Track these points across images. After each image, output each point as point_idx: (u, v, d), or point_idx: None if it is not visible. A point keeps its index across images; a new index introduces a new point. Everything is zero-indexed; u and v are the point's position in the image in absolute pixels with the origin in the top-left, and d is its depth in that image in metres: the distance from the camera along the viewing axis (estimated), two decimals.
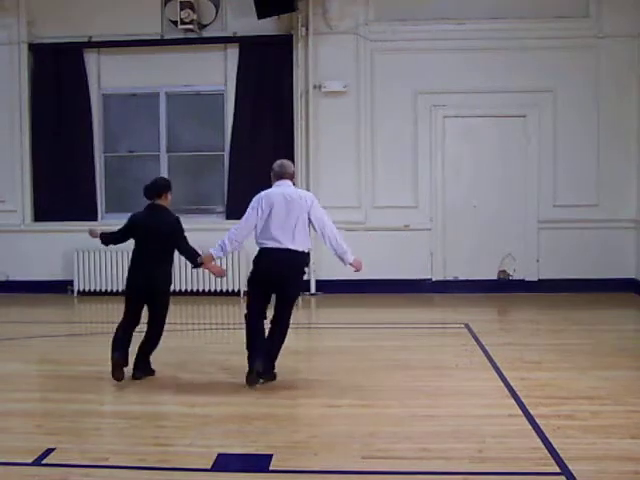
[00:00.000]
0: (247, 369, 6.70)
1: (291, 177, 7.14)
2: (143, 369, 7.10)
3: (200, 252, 7.09)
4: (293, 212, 6.81)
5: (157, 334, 7.19)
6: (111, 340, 7.00)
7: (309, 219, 6.86)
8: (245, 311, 6.97)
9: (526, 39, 11.86)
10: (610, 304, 11.20)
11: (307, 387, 6.84)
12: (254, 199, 6.97)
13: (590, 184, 12.03)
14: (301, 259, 6.86)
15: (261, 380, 6.72)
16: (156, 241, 7.01)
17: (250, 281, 7.00)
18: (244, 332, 6.92)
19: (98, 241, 7.52)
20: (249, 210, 6.92)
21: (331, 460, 4.92)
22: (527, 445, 5.11)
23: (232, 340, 8.98)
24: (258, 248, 6.89)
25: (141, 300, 7.08)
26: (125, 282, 7.25)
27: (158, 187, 7.18)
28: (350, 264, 7.00)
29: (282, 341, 6.92)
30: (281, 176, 7.09)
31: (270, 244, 6.78)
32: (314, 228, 6.93)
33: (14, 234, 12.58)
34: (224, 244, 6.91)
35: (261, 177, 12.12)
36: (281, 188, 6.98)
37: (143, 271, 7.03)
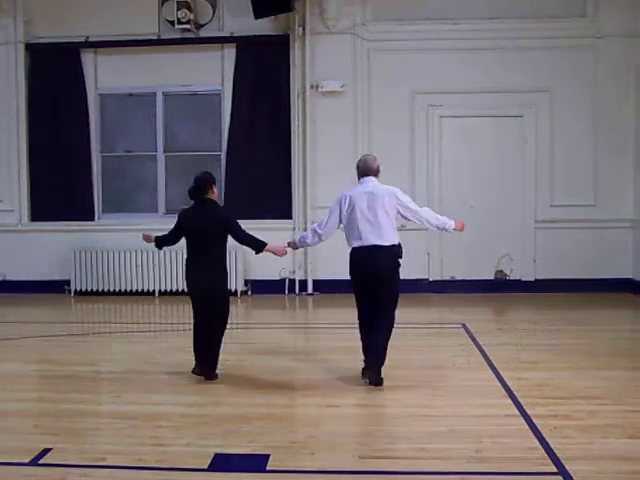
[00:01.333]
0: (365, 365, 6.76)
1: (375, 173, 6.98)
2: (207, 367, 7.00)
3: (259, 237, 7.07)
4: (377, 208, 6.74)
5: (220, 331, 7.08)
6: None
7: (399, 212, 6.81)
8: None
9: (523, 39, 11.88)
10: (607, 304, 11.21)
11: (304, 387, 6.84)
12: (338, 197, 6.95)
13: (587, 184, 12.05)
14: (392, 254, 6.79)
15: (367, 380, 6.69)
16: (209, 236, 6.91)
17: (351, 283, 6.94)
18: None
19: (147, 242, 7.36)
20: (332, 207, 6.92)
21: (328, 460, 4.92)
22: (524, 445, 5.11)
23: (230, 340, 8.99)
24: (350, 249, 6.85)
25: (202, 298, 6.98)
26: (185, 282, 7.15)
27: (203, 183, 7.04)
28: (454, 229, 6.99)
29: (387, 342, 6.82)
30: (365, 173, 6.98)
31: (358, 243, 6.75)
32: (407, 218, 6.90)
33: (11, 234, 12.57)
34: (306, 236, 7.02)
35: (258, 177, 12.33)
36: (363, 186, 6.89)
37: (200, 269, 6.93)
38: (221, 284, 7.06)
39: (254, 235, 7.05)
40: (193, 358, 6.96)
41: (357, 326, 7.00)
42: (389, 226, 6.78)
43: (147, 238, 7.30)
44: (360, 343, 6.96)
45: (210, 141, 12.70)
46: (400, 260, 6.83)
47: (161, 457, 4.97)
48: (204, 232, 6.90)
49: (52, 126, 12.54)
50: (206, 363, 6.95)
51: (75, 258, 12.28)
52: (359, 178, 7.01)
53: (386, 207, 6.76)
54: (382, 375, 6.68)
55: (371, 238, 6.71)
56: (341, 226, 6.92)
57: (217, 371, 6.97)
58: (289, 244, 7.24)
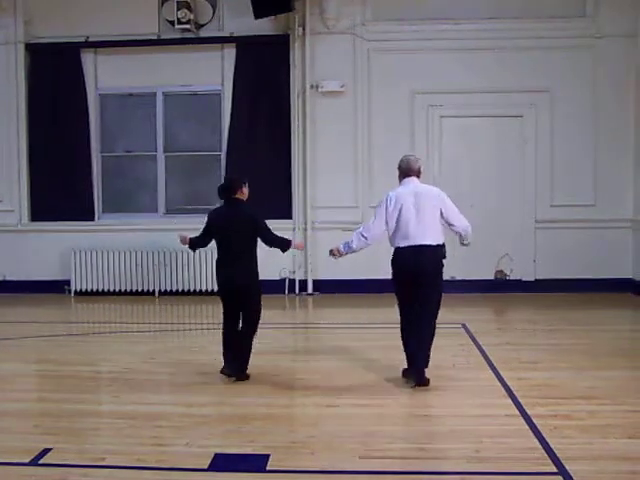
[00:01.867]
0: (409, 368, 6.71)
1: (417, 174, 6.92)
2: (237, 368, 6.96)
3: (286, 237, 7.14)
4: (423, 209, 6.72)
5: (251, 332, 7.06)
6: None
7: (441, 213, 6.79)
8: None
9: (523, 39, 11.88)
10: (607, 304, 11.21)
11: (304, 387, 6.84)
12: (383, 199, 6.86)
13: (587, 184, 12.05)
14: (438, 253, 6.80)
15: (412, 383, 6.66)
16: (239, 235, 6.89)
17: (394, 284, 6.90)
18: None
19: (183, 245, 7.32)
20: (377, 209, 6.83)
21: (328, 460, 4.92)
22: (524, 445, 5.11)
23: None
24: (393, 249, 6.81)
25: (234, 298, 6.97)
26: (216, 282, 7.10)
27: (233, 183, 7.06)
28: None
29: (431, 343, 6.82)
30: (407, 174, 6.92)
31: (404, 243, 6.71)
32: (448, 222, 6.88)
33: (11, 234, 12.57)
34: (351, 242, 6.87)
35: (258, 177, 12.30)
36: (408, 186, 6.85)
37: (231, 269, 6.90)
38: (254, 282, 7.04)
39: (277, 234, 7.07)
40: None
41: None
42: (436, 226, 6.76)
43: (183, 240, 7.21)
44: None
45: (210, 141, 12.70)
46: (444, 260, 6.84)
47: (161, 457, 4.97)
48: (233, 231, 6.89)
49: (52, 126, 12.54)
50: (237, 364, 6.92)
51: (75, 258, 12.28)
52: (401, 179, 6.95)
53: (433, 207, 6.74)
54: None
55: (418, 238, 6.69)
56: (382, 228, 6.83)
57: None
58: (332, 252, 7.02)
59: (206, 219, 7.15)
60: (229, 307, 7.02)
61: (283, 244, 7.09)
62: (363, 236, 6.84)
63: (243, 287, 6.93)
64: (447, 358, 7.84)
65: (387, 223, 6.78)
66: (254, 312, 7.05)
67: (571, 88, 11.99)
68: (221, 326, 7.09)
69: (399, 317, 6.90)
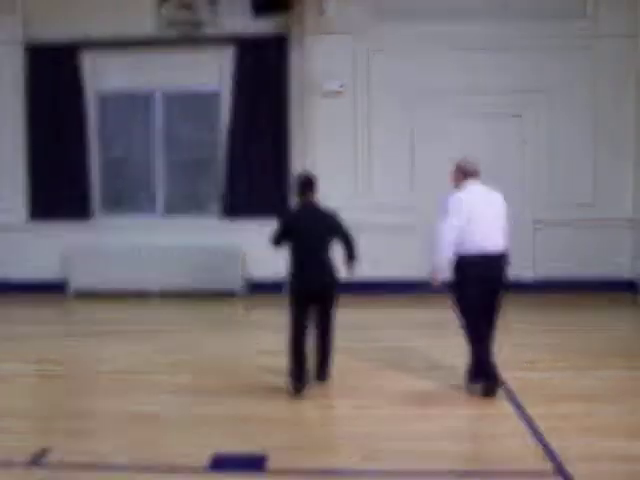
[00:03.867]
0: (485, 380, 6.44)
1: (479, 175, 6.83)
2: (328, 372, 6.94)
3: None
4: (492, 213, 6.65)
5: (332, 332, 7.03)
6: (290, 353, 6.74)
7: None
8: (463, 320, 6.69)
9: (522, 39, 11.86)
10: (606, 304, 11.20)
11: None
12: (452, 200, 6.62)
13: (586, 184, 12.05)
14: (506, 258, 6.77)
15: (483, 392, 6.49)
16: (321, 236, 6.86)
17: (464, 288, 6.60)
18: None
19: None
20: (451, 211, 6.55)
21: (327, 460, 4.94)
22: (523, 445, 5.13)
23: (229, 340, 9.00)
24: (459, 255, 6.57)
25: (313, 301, 6.85)
26: (291, 286, 6.84)
27: (311, 181, 6.99)
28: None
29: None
30: (472, 174, 6.79)
31: (476, 250, 6.53)
32: None
33: (10, 233, 12.56)
34: (443, 251, 6.57)
35: (257, 177, 12.34)
36: (475, 188, 6.74)
37: (315, 269, 6.82)
38: (336, 281, 6.95)
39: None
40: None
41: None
42: (501, 230, 6.74)
43: None
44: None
45: (209, 141, 12.69)
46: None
47: (160, 457, 4.98)
48: (316, 232, 6.85)
49: (51, 126, 12.52)
50: (324, 368, 6.92)
51: (74, 258, 12.27)
52: (466, 179, 6.82)
53: (499, 211, 6.72)
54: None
55: (488, 243, 6.58)
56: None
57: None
58: (433, 279, 6.65)
59: (284, 223, 6.93)
60: (302, 312, 6.79)
61: (355, 250, 7.12)
62: (451, 243, 6.61)
63: (329, 283, 6.87)
64: (446, 358, 7.85)
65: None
66: (332, 313, 7.00)
67: (570, 88, 11.98)
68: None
69: (473, 331, 6.65)
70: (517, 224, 12.09)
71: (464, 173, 6.82)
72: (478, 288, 6.53)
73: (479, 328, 6.61)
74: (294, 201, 6.96)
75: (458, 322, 6.69)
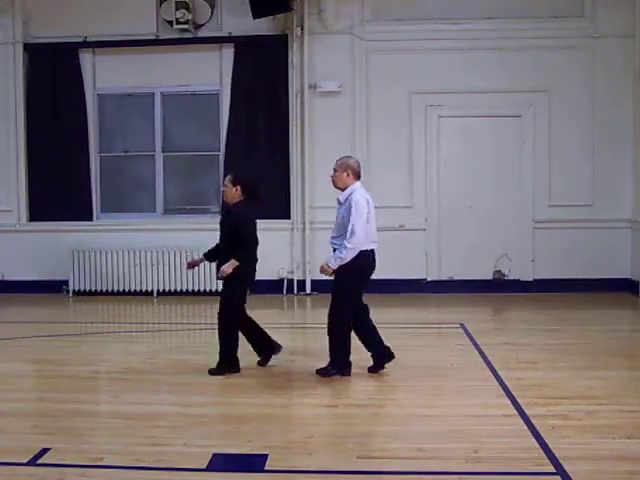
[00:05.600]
0: None
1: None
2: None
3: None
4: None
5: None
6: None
7: None
8: None
9: (521, 39, 11.88)
10: (605, 304, 11.22)
11: (303, 387, 6.84)
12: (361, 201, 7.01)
13: (585, 184, 12.05)
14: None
15: None
16: None
17: (353, 282, 7.05)
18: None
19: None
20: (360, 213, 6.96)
21: (326, 460, 4.93)
22: (522, 445, 5.12)
23: None
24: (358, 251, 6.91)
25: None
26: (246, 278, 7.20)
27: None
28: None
29: None
30: (360, 176, 7.30)
31: (371, 246, 7.05)
32: None
33: (9, 234, 12.56)
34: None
35: (257, 177, 12.25)
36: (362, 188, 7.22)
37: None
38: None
39: None
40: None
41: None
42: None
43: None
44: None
45: (208, 141, 12.69)
46: None
47: (159, 457, 4.97)
48: None
49: (50, 126, 12.52)
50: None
51: (73, 258, 12.26)
52: (356, 180, 7.23)
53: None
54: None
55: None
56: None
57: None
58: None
59: (247, 219, 7.20)
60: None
61: None
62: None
63: None
64: (445, 358, 7.85)
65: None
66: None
67: (569, 88, 11.99)
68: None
69: (344, 316, 7.01)
70: (517, 224, 12.19)
71: (357, 174, 7.18)
72: (363, 281, 7.12)
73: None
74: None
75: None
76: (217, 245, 7.34)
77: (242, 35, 12.22)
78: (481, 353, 7.99)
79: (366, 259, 6.95)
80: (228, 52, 12.35)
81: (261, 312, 11.29)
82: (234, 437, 5.43)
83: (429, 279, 12.31)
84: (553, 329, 9.55)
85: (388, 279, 11.89)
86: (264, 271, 11.93)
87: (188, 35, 12.30)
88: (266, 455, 4.94)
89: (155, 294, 12.24)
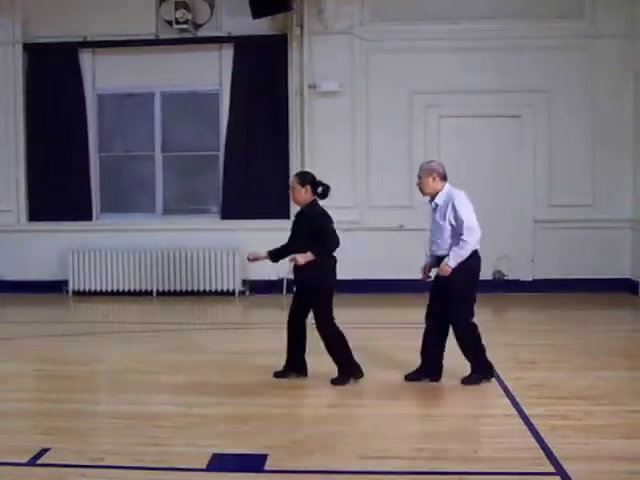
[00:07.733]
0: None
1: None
2: None
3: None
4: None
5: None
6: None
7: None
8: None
9: (521, 39, 11.87)
10: (605, 304, 11.22)
11: (303, 387, 6.84)
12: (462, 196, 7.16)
13: (585, 184, 12.05)
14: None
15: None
16: None
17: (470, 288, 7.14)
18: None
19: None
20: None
21: (327, 460, 4.93)
22: (522, 445, 5.12)
23: (229, 340, 9.00)
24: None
25: None
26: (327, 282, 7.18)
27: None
28: None
29: None
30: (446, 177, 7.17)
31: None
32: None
33: (9, 234, 12.55)
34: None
35: (256, 177, 12.32)
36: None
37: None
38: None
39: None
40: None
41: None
42: None
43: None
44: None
45: (208, 141, 12.68)
46: None
47: (159, 457, 4.97)
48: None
49: (50, 126, 12.51)
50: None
51: (73, 258, 12.26)
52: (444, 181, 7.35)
53: None
54: None
55: None
56: None
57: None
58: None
59: (327, 217, 7.31)
60: None
61: None
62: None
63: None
64: (445, 358, 7.84)
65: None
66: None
67: (569, 88, 11.99)
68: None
69: (466, 318, 7.02)
70: (517, 224, 12.19)
71: (443, 176, 7.19)
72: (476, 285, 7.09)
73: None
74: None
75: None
76: (283, 246, 7.10)
77: (242, 35, 12.22)
78: None
79: (477, 258, 6.95)
80: (228, 52, 12.35)
81: (261, 312, 11.36)
82: (234, 437, 5.43)
83: (429, 279, 12.26)
84: (553, 329, 9.55)
85: (388, 279, 11.94)
86: (264, 271, 12.09)
87: (188, 35, 12.30)
88: (266, 455, 4.95)
89: (154, 294, 12.24)
